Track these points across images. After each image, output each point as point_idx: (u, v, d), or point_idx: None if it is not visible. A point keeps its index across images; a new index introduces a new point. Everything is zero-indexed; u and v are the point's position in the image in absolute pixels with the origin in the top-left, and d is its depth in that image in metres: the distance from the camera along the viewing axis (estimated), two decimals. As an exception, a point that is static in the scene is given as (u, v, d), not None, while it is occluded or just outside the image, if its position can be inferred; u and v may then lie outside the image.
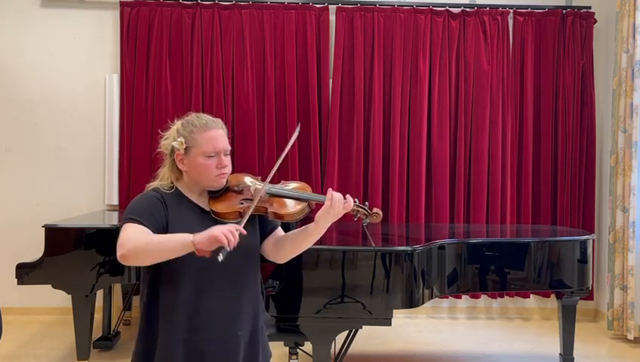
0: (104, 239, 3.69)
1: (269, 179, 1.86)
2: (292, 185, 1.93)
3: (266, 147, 5.03)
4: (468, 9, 5.17)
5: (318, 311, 3.01)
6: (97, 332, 4.25)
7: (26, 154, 5.11)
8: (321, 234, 1.85)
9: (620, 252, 4.70)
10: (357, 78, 5.08)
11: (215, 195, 1.87)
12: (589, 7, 5.23)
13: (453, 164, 5.16)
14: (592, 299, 5.14)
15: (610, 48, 5.16)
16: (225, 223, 1.82)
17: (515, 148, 5.20)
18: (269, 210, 1.84)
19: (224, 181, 1.87)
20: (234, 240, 1.60)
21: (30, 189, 5.09)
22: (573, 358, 3.80)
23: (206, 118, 1.89)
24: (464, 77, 5.15)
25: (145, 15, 5.02)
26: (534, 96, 5.22)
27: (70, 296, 3.68)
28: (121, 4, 5.02)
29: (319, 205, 1.84)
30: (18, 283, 3.61)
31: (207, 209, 1.86)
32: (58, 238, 3.67)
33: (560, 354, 3.86)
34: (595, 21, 5.23)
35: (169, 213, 1.80)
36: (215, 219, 1.83)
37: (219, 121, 1.91)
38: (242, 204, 1.84)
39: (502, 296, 5.27)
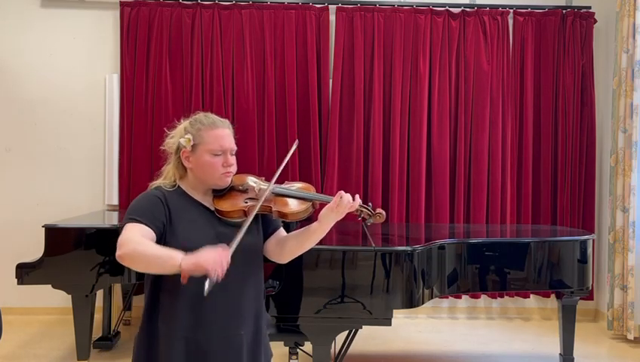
0: (104, 239, 3.69)
1: (275, 178, 1.86)
2: (297, 185, 1.95)
3: (266, 147, 5.04)
4: (468, 9, 5.17)
5: (318, 311, 3.01)
6: (97, 332, 4.25)
7: (26, 154, 5.11)
8: (324, 234, 1.86)
9: (619, 252, 4.70)
10: (357, 78, 5.08)
11: (219, 194, 1.88)
12: (589, 7, 5.23)
13: (453, 164, 5.16)
14: (592, 299, 5.14)
15: (610, 48, 5.16)
16: (229, 221, 1.84)
17: (515, 148, 5.20)
18: (273, 208, 1.85)
19: (229, 180, 1.88)
20: (222, 273, 1.58)
21: (30, 189, 5.09)
22: (573, 358, 3.80)
23: (214, 117, 1.90)
24: (464, 77, 5.15)
25: (145, 15, 5.02)
26: (534, 96, 5.22)
27: (70, 296, 3.68)
28: (121, 4, 5.03)
29: (322, 205, 1.85)
30: (18, 283, 3.61)
31: (212, 208, 1.86)
32: (58, 238, 3.67)
33: (560, 354, 3.86)
34: (595, 21, 5.23)
35: (171, 211, 1.80)
36: (219, 217, 1.84)
37: (226, 121, 1.93)
38: (247, 203, 1.85)
39: (502, 296, 5.27)
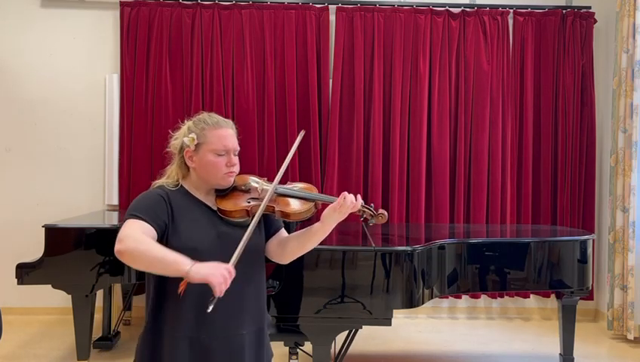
0: (104, 239, 3.69)
1: (277, 178, 1.86)
2: (299, 186, 1.95)
3: (266, 147, 5.04)
4: (468, 9, 5.17)
5: (318, 311, 3.01)
6: (97, 332, 4.25)
7: (26, 154, 5.11)
8: (326, 234, 1.86)
9: (620, 252, 4.70)
10: (357, 78, 5.08)
11: (222, 194, 1.89)
12: (589, 7, 5.23)
13: (453, 164, 5.16)
14: (592, 299, 5.14)
15: (610, 48, 5.16)
16: (231, 221, 1.84)
17: (515, 148, 5.20)
18: (276, 208, 1.85)
19: (232, 180, 1.88)
20: (225, 289, 1.62)
21: (30, 189, 5.09)
22: (573, 358, 3.80)
23: (217, 117, 1.91)
24: (464, 77, 5.16)
25: (145, 15, 5.02)
26: (534, 96, 5.22)
27: (70, 296, 3.68)
28: (121, 4, 5.03)
29: (324, 205, 1.85)
30: (18, 283, 3.61)
31: (214, 207, 1.87)
32: (58, 238, 3.67)
33: (560, 354, 3.86)
34: (595, 21, 5.23)
35: (174, 211, 1.80)
36: (221, 217, 1.84)
37: (230, 121, 1.93)
38: (249, 202, 1.85)
39: (502, 296, 5.27)
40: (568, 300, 3.73)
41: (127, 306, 4.79)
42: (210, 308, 1.62)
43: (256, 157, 5.02)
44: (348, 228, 3.94)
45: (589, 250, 3.69)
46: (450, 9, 5.15)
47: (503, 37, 5.18)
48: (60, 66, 5.12)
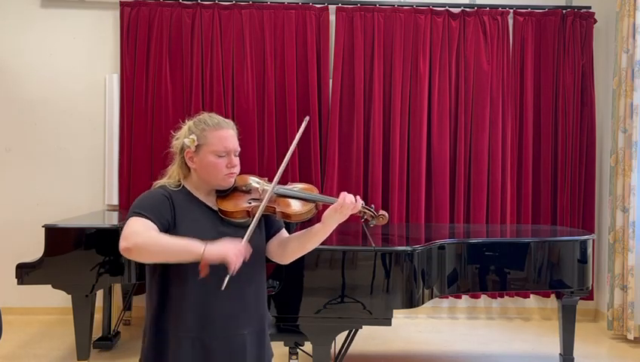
0: (104, 239, 3.69)
1: (277, 179, 1.86)
2: (299, 186, 1.95)
3: (266, 147, 5.04)
4: (468, 9, 5.17)
5: (318, 311, 3.01)
6: (97, 332, 4.25)
7: (26, 154, 5.11)
8: (326, 235, 1.86)
9: (620, 252, 4.70)
10: (357, 78, 5.08)
11: (223, 194, 1.89)
12: (589, 7, 5.23)
13: (453, 164, 5.16)
14: (592, 299, 5.14)
15: (610, 48, 5.16)
16: (232, 222, 1.84)
17: (515, 148, 5.20)
18: (277, 209, 1.86)
19: (232, 181, 1.88)
20: (238, 266, 1.64)
21: (30, 189, 5.09)
22: (573, 358, 3.80)
23: (218, 118, 1.91)
24: (464, 77, 5.15)
25: (145, 15, 5.02)
26: (534, 96, 5.22)
27: (70, 296, 3.68)
28: (121, 4, 5.03)
29: (325, 206, 1.85)
30: (18, 283, 3.61)
31: (215, 208, 1.87)
32: (58, 238, 3.67)
33: (560, 354, 3.86)
34: (595, 21, 5.23)
35: (176, 210, 1.81)
36: (222, 217, 1.85)
37: (230, 121, 1.93)
38: (250, 203, 1.86)
39: (502, 296, 5.27)
40: (568, 300, 3.73)
41: (127, 306, 4.79)
42: (224, 286, 1.62)
43: (256, 157, 5.02)
44: (348, 228, 3.94)
45: (589, 250, 3.69)
46: (450, 9, 5.15)
47: (503, 37, 5.18)
48: (60, 66, 5.12)
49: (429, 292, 3.21)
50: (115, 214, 4.72)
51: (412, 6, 5.13)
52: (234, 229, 1.82)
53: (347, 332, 3.54)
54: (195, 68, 5.02)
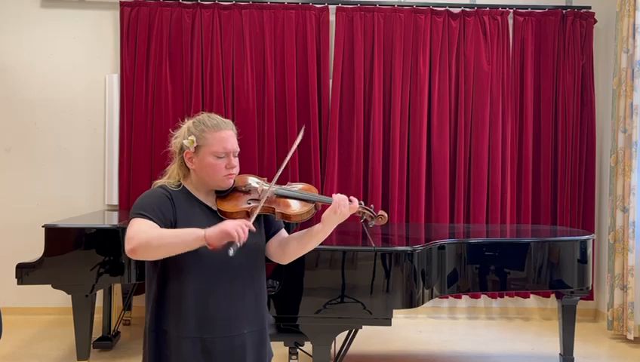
0: (104, 239, 3.69)
1: (275, 179, 1.86)
2: (298, 186, 1.95)
3: (266, 147, 5.04)
4: (468, 9, 5.17)
5: (318, 311, 3.01)
6: (97, 332, 4.25)
7: (26, 155, 5.11)
8: (326, 235, 1.87)
9: (619, 252, 4.70)
10: (357, 78, 5.08)
11: (222, 195, 1.89)
12: (589, 7, 5.23)
13: (453, 164, 5.16)
14: (592, 299, 5.14)
15: (610, 48, 5.16)
16: None
17: (515, 148, 5.20)
18: (276, 210, 1.86)
19: (232, 181, 1.88)
20: (244, 236, 1.62)
21: (30, 189, 5.09)
22: (573, 358, 3.80)
23: (217, 118, 1.90)
24: (464, 77, 5.16)
25: (145, 15, 5.02)
26: (534, 96, 5.22)
27: (70, 296, 3.68)
28: (121, 4, 5.03)
29: (325, 207, 1.85)
30: (18, 283, 3.61)
31: (215, 208, 1.87)
32: (58, 238, 3.66)
33: (560, 354, 3.86)
34: (595, 21, 5.23)
35: (177, 210, 1.81)
36: (222, 218, 1.84)
37: (230, 122, 1.92)
38: (249, 203, 1.86)
39: (502, 296, 5.27)
40: (568, 300, 3.73)
41: (127, 306, 4.79)
42: (232, 252, 1.60)
43: (256, 157, 5.02)
44: (348, 228, 3.94)
45: (589, 250, 3.69)
46: (450, 9, 5.15)
47: (503, 37, 5.18)
48: (59, 66, 5.11)
49: (429, 293, 3.21)
50: (115, 214, 4.72)
51: (412, 6, 5.13)
52: None
53: (347, 332, 3.54)
54: (195, 68, 5.02)
